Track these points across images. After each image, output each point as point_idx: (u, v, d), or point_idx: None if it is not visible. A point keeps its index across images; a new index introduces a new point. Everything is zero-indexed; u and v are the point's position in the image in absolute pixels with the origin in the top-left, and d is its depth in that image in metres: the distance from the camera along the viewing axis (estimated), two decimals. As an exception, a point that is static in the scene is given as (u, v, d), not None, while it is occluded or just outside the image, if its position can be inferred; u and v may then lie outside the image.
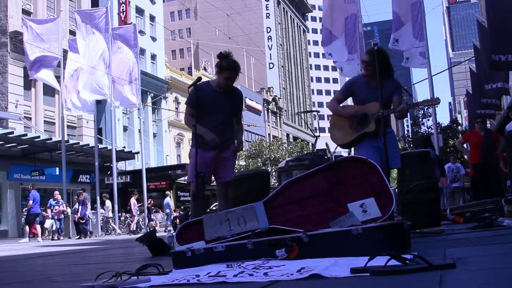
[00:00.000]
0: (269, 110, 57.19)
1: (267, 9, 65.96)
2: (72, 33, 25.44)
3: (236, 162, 5.69)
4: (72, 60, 19.31)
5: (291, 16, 73.87)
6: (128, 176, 25.11)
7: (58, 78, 19.58)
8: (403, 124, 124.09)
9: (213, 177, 4.74)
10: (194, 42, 58.32)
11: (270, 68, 63.86)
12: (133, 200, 20.98)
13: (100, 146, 22.68)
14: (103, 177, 23.47)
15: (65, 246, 10.71)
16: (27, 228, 16.58)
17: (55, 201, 17.76)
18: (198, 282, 2.36)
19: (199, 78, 4.56)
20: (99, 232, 19.38)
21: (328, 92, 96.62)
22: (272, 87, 60.54)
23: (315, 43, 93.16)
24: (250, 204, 3.68)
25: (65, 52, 20.22)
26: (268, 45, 64.93)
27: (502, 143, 8.49)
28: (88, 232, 17.93)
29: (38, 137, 20.96)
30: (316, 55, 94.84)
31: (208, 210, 18.27)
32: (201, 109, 4.50)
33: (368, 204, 3.47)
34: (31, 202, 16.17)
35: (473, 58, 19.54)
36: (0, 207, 21.98)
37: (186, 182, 29.66)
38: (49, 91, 24.94)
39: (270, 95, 57.97)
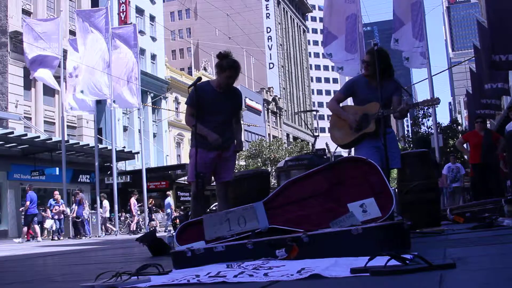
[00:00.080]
0: (269, 110, 57.20)
1: (267, 9, 65.97)
2: (72, 33, 25.44)
3: (236, 162, 5.69)
4: (72, 60, 19.32)
5: (291, 16, 73.86)
6: (128, 176, 25.10)
7: (58, 78, 19.59)
8: (403, 124, 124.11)
9: (212, 177, 4.74)
10: (194, 42, 58.32)
11: (270, 68, 63.87)
12: (133, 200, 20.98)
13: (100, 146, 22.68)
14: (103, 177, 23.47)
15: (65, 246, 10.71)
16: (24, 229, 16.57)
17: (55, 201, 17.77)
18: (198, 282, 2.36)
19: (199, 78, 4.56)
20: (99, 232, 19.38)
21: (328, 92, 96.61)
22: (272, 87, 60.55)
23: (315, 43, 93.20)
24: (250, 204, 3.68)
25: (65, 52, 20.22)
26: (268, 45, 64.94)
27: (502, 143, 8.49)
28: (84, 231, 17.82)
29: (38, 137, 20.96)
30: (316, 55, 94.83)
31: (208, 210, 18.26)
32: (201, 109, 4.50)
33: (368, 204, 3.47)
34: (28, 203, 16.18)
35: (473, 58, 19.55)
36: (0, 207, 21.99)
37: (186, 182, 29.75)
38: (49, 91, 24.94)
39: (270, 95, 57.98)
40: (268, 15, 65.94)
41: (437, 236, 4.61)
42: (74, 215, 17.59)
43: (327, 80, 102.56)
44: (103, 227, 20.37)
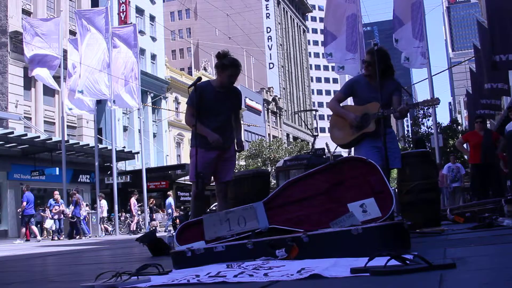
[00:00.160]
0: (269, 110, 57.21)
1: (267, 9, 65.98)
2: (72, 33, 25.47)
3: (236, 162, 5.69)
4: (72, 60, 19.33)
5: (291, 16, 73.87)
6: (128, 176, 25.10)
7: (58, 78, 19.60)
8: (403, 124, 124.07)
9: (212, 177, 4.74)
10: (194, 42, 58.32)
11: (270, 68, 63.88)
12: (133, 200, 20.98)
13: (100, 146, 22.68)
14: (103, 177, 23.47)
15: (65, 246, 10.70)
16: (23, 229, 16.56)
17: (55, 201, 17.77)
18: (198, 282, 2.36)
19: (199, 78, 4.56)
20: (99, 232, 19.38)
21: (328, 92, 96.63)
22: (272, 87, 60.56)
23: (315, 43, 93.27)
24: (250, 204, 3.68)
25: (65, 52, 20.23)
26: (268, 45, 64.96)
27: (502, 142, 8.48)
28: (82, 231, 17.77)
29: (38, 137, 20.97)
30: (316, 55, 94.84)
31: (208, 210, 18.26)
32: (202, 109, 4.50)
33: (368, 204, 3.47)
34: (24, 203, 16.18)
35: (473, 58, 19.56)
36: (0, 207, 21.99)
37: (185, 182, 29.73)
38: (49, 91, 24.94)
39: (270, 95, 57.99)
40: (268, 15, 65.94)
41: (437, 236, 4.60)
42: (70, 215, 17.58)
43: (327, 80, 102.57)
44: (102, 227, 20.37)
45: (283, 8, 70.83)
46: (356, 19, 12.05)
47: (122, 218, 22.34)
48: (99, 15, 19.40)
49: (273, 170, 33.77)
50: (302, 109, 67.56)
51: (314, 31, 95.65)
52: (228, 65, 4.46)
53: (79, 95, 18.84)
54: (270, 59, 64.39)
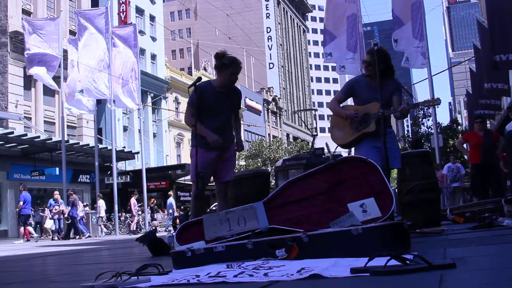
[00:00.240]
0: (269, 110, 57.21)
1: (267, 9, 65.97)
2: (72, 33, 25.45)
3: (236, 162, 5.70)
4: (72, 60, 19.33)
5: (291, 16, 73.87)
6: (128, 176, 25.10)
7: (58, 78, 19.59)
8: (403, 124, 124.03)
9: (212, 177, 4.74)
10: (194, 42, 58.32)
11: (270, 68, 63.87)
12: (133, 200, 20.97)
13: (100, 146, 22.68)
14: (103, 177, 23.47)
15: (65, 246, 10.71)
16: (21, 229, 16.55)
17: (55, 201, 17.76)
18: (198, 282, 2.36)
19: (199, 78, 4.56)
20: (99, 232, 19.37)
21: (328, 92, 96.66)
22: (272, 87, 60.56)
23: (315, 43, 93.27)
24: (250, 204, 3.68)
25: (65, 52, 20.23)
26: (268, 45, 64.95)
27: (502, 142, 8.48)
28: (79, 232, 17.72)
29: (38, 137, 20.97)
30: (316, 55, 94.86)
31: (208, 210, 18.26)
32: (203, 109, 4.50)
33: (368, 204, 3.47)
34: (21, 203, 16.17)
35: (473, 58, 19.55)
36: (0, 207, 21.99)
37: (185, 182, 29.71)
38: (49, 91, 24.94)
39: (270, 95, 57.99)
40: (268, 15, 65.94)
41: (437, 236, 4.60)
42: (66, 215, 17.55)
43: (327, 80, 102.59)
44: (102, 227, 20.35)
45: (283, 8, 70.83)
46: (356, 19, 12.03)
47: (122, 218, 22.34)
48: (99, 15, 19.40)
49: (273, 170, 33.81)
50: (302, 109, 67.61)
51: (314, 31, 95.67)
52: (228, 64, 4.46)
53: (79, 95, 18.84)
54: (270, 59, 64.39)
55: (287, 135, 62.33)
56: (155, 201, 23.31)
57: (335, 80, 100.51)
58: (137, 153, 26.89)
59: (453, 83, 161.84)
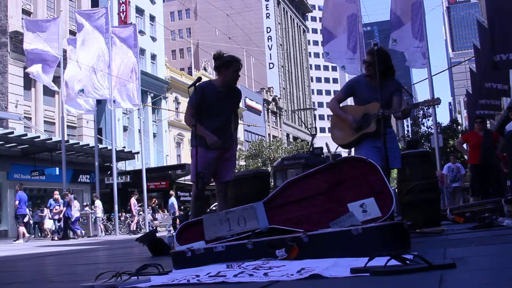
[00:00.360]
0: (269, 110, 57.21)
1: (267, 9, 65.98)
2: (72, 33, 25.45)
3: (236, 162, 5.70)
4: (71, 60, 19.32)
5: (291, 16, 73.87)
6: (128, 176, 25.09)
7: (58, 78, 19.59)
8: (403, 124, 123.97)
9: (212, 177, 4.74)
10: (194, 42, 58.31)
11: (270, 68, 63.88)
12: (133, 200, 20.96)
13: (100, 146, 22.67)
14: (103, 177, 23.46)
15: (65, 246, 10.70)
16: (20, 229, 16.54)
17: (55, 201, 17.75)
18: (198, 282, 2.36)
19: (199, 78, 4.55)
20: (99, 232, 19.36)
21: (328, 92, 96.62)
22: (272, 87, 60.56)
23: (315, 43, 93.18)
24: (250, 204, 3.68)
25: (65, 52, 20.23)
26: (268, 45, 64.96)
27: (502, 142, 8.47)
28: (74, 232, 17.68)
29: (38, 137, 20.97)
30: (316, 55, 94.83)
31: (208, 210, 18.25)
32: (204, 109, 4.50)
33: (368, 204, 3.47)
34: (17, 202, 16.16)
35: (473, 58, 19.55)
36: (0, 207, 21.98)
37: (185, 182, 29.70)
38: (49, 91, 24.92)
39: (270, 95, 57.99)
40: (268, 15, 65.94)
41: (437, 236, 4.60)
42: (62, 215, 17.53)
43: (327, 80, 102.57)
44: (101, 227, 20.32)
45: (283, 8, 70.82)
46: (356, 19, 12.03)
47: (122, 218, 22.33)
48: (99, 15, 19.40)
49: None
50: (301, 108, 67.61)
51: (314, 31, 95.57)
52: (230, 61, 4.46)
53: (79, 95, 18.83)
54: (270, 59, 64.39)
55: (287, 135, 62.33)
56: (156, 201, 23.29)
57: (335, 80, 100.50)
58: (137, 153, 26.89)
59: (453, 83, 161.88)
